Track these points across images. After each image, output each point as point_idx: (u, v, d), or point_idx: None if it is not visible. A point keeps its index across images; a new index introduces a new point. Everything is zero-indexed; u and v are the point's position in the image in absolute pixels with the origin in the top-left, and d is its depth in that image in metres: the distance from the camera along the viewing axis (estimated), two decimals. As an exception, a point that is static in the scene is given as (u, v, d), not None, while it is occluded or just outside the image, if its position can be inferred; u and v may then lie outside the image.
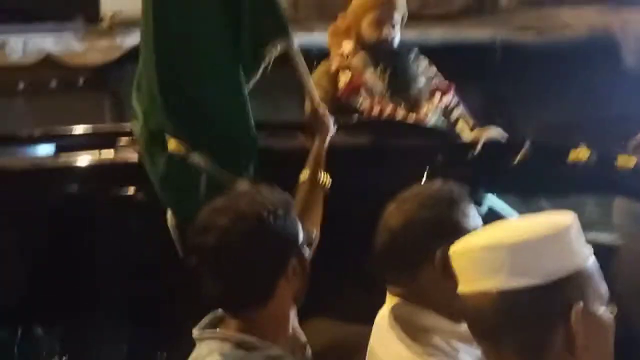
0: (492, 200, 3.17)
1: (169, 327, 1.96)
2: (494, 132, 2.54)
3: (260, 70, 2.12)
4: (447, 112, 2.84)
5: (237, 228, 1.29)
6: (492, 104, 7.42)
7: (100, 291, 2.20)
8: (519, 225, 1.09)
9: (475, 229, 1.46)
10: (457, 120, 2.81)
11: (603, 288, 1.07)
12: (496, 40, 6.68)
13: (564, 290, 1.01)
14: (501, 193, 2.65)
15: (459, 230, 1.40)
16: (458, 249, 1.09)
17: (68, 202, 2.28)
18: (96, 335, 2.21)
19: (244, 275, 1.30)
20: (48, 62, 5.58)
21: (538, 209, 4.08)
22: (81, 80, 5.57)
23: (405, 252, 1.46)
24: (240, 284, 1.31)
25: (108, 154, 2.31)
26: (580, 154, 2.03)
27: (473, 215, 1.49)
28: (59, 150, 2.38)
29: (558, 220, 1.06)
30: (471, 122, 2.79)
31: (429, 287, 1.42)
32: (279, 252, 1.32)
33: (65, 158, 2.35)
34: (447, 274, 1.18)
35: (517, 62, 6.82)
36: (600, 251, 2.79)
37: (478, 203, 3.03)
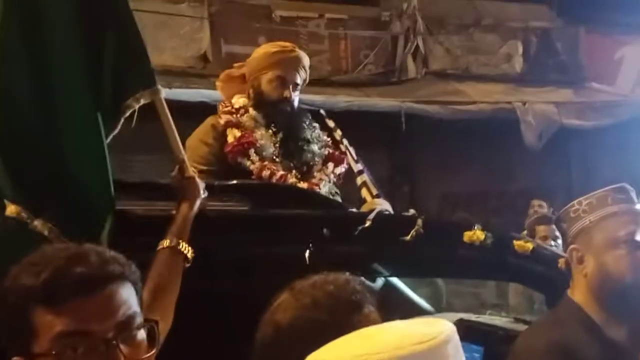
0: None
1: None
2: (384, 205, 2.39)
3: (120, 124, 1.88)
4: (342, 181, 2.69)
5: None
6: (398, 172, 7.43)
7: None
8: (383, 339, 0.87)
9: None
10: (360, 187, 2.63)
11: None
12: (402, 109, 6.71)
13: None
14: (394, 273, 2.45)
15: None
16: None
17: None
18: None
19: None
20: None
21: (435, 288, 3.94)
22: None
23: (288, 354, 1.20)
24: None
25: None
26: (475, 236, 1.89)
27: (374, 319, 1.25)
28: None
29: (433, 332, 0.85)
30: (375, 190, 2.63)
31: None
32: None
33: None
34: None
35: (422, 131, 6.88)
36: (495, 334, 2.61)
37: (371, 279, 2.81)
